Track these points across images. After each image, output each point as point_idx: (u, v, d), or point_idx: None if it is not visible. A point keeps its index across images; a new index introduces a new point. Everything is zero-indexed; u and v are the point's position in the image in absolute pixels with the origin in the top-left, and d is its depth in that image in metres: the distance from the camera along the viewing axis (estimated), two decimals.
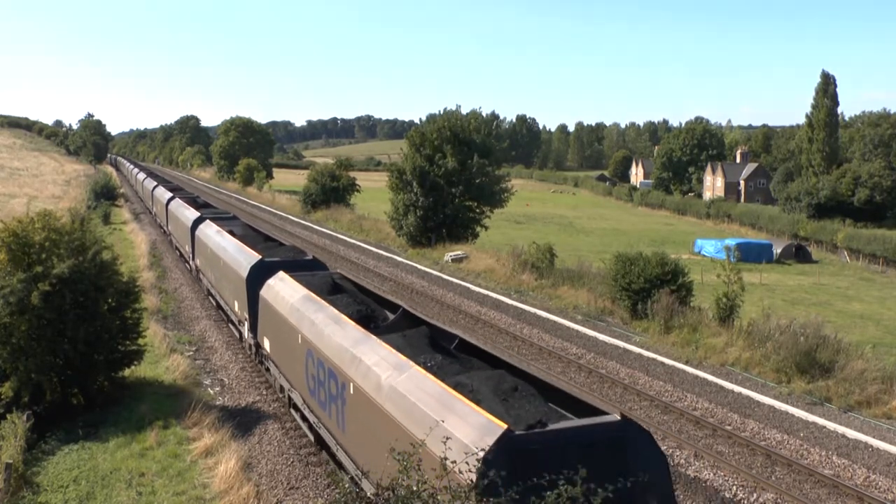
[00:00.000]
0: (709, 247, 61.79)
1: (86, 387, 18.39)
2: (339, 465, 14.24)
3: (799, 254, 64.55)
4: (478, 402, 9.68)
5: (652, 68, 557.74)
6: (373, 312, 15.95)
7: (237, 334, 24.48)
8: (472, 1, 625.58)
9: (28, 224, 18.39)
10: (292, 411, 17.60)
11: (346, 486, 10.75)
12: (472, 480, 8.02)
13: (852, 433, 18.00)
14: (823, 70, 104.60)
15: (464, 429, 9.00)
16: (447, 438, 8.73)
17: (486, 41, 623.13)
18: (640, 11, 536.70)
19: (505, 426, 8.68)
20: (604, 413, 9.46)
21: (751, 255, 57.09)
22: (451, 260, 41.89)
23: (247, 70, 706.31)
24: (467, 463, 8.15)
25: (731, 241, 53.45)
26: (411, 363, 11.35)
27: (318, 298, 16.08)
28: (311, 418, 15.44)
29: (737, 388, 21.13)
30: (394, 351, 12.03)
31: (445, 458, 7.86)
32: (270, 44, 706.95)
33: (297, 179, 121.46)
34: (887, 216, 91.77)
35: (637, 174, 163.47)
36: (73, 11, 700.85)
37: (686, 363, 23.57)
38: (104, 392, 18.83)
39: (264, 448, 16.40)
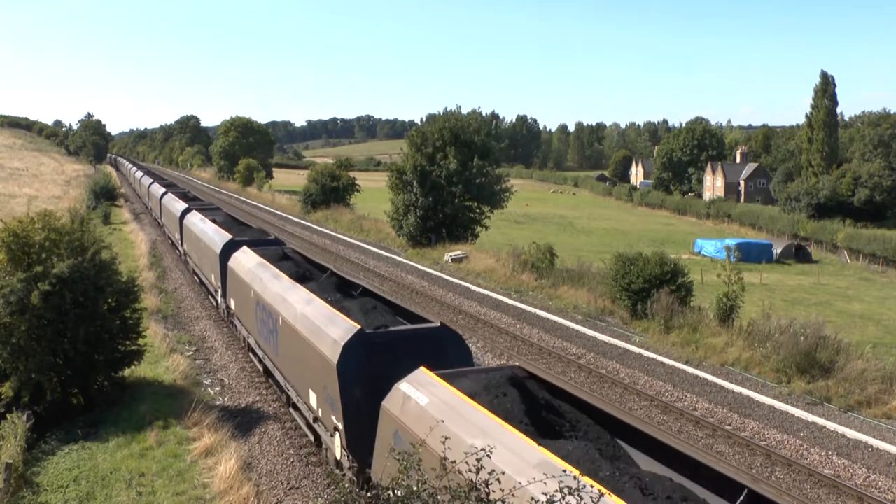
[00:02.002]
0: (709, 247, 61.80)
1: (86, 387, 18.40)
2: (277, 383, 18.67)
3: (799, 254, 64.54)
4: (349, 316, 14.32)
5: (652, 68, 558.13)
6: (309, 273, 20.74)
7: (214, 302, 29.12)
8: (472, 1, 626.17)
9: (28, 224, 18.39)
10: (250, 354, 22.09)
11: (346, 486, 10.87)
12: (335, 362, 12.76)
13: (852, 433, 18.00)
14: (822, 70, 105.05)
15: (336, 331, 13.56)
16: (327, 337, 13.66)
17: (486, 41, 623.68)
18: (640, 11, 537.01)
19: (359, 327, 13.25)
20: (430, 322, 14.12)
21: (751, 255, 57.07)
22: (451, 260, 41.90)
23: (247, 70, 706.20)
24: (333, 347, 13.11)
25: (731, 241, 53.49)
26: (317, 299, 15.87)
27: (269, 264, 20.43)
28: (260, 353, 20.04)
29: (737, 388, 21.14)
30: (308, 292, 16.52)
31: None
32: (271, 44, 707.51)
33: (297, 179, 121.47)
34: (887, 216, 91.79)
35: (637, 174, 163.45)
36: (73, 11, 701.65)
37: (686, 363, 23.58)
38: (104, 392, 18.83)
39: (264, 448, 16.41)
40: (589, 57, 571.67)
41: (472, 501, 7.41)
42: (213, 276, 27.45)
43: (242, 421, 17.97)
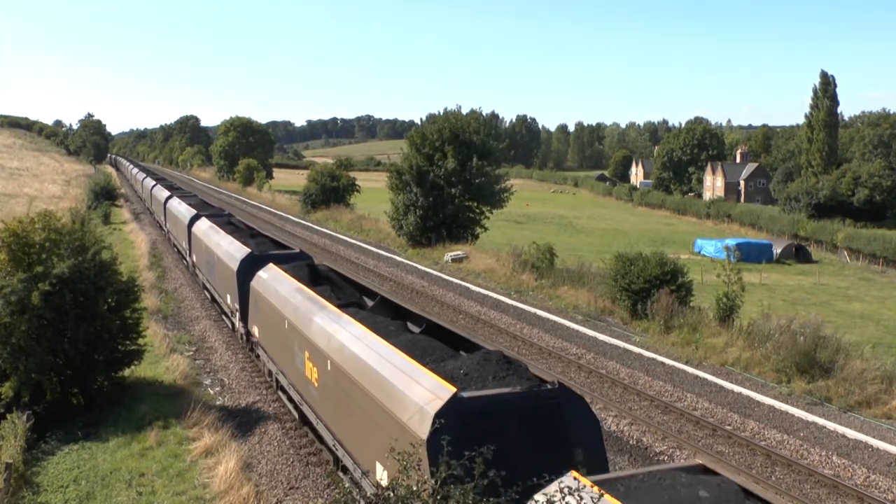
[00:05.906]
0: (709, 247, 61.75)
1: (86, 387, 18.38)
2: (215, 301, 27.95)
3: (799, 254, 64.48)
4: (248, 247, 23.90)
5: (652, 68, 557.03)
6: (240, 230, 30.10)
7: (185, 262, 38.51)
8: (472, 1, 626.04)
9: (28, 224, 18.39)
10: (204, 291, 31.31)
11: (346, 485, 10.87)
12: (235, 269, 22.65)
13: (852, 433, 18.00)
14: (823, 70, 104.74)
15: (238, 254, 23.28)
16: (233, 258, 23.29)
17: (486, 41, 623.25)
18: (640, 11, 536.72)
19: (250, 250, 23.04)
20: (294, 249, 24.11)
21: (751, 255, 57.00)
22: (451, 260, 41.90)
23: (247, 70, 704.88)
24: (235, 262, 23.00)
25: (730, 241, 53.43)
26: (236, 241, 25.32)
27: (216, 226, 30.10)
28: (208, 285, 29.23)
29: (737, 388, 21.14)
30: (233, 238, 26.08)
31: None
32: (270, 43, 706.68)
33: (297, 179, 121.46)
34: (887, 216, 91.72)
35: (637, 174, 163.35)
36: (72, 11, 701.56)
37: (686, 363, 23.58)
38: (104, 392, 18.83)
39: (264, 448, 16.41)
40: (589, 57, 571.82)
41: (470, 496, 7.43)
42: (184, 242, 37.30)
43: (242, 421, 17.97)
